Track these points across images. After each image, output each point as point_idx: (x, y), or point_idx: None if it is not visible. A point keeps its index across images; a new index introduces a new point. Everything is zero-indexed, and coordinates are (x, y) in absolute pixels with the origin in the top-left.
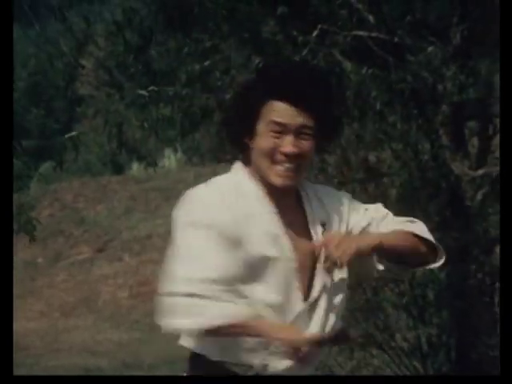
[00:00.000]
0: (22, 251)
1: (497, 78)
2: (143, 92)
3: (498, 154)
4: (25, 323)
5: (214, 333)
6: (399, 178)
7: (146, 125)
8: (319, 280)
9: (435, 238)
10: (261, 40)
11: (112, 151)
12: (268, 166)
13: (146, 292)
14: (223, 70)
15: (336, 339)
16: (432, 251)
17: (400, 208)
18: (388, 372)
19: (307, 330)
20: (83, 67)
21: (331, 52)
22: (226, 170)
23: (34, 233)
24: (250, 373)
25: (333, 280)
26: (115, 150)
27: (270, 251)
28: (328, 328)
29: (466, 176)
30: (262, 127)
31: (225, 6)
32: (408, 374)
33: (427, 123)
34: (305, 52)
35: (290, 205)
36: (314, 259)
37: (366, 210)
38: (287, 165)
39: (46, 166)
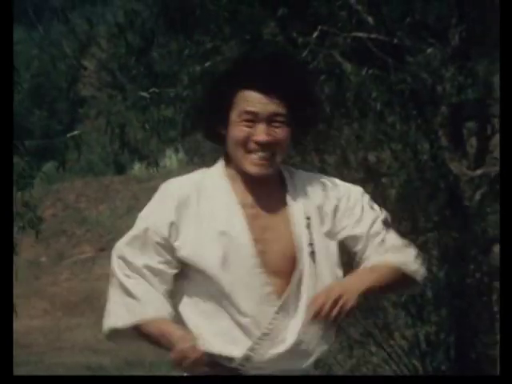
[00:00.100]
0: (26, 250)
1: (495, 79)
2: (145, 94)
3: (496, 154)
4: (28, 321)
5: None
6: (398, 178)
7: (147, 126)
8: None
9: (434, 238)
10: (262, 41)
11: (114, 151)
12: (242, 155)
13: None
14: None
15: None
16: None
17: (399, 208)
18: (387, 370)
19: (281, 337)
20: (85, 69)
21: (331, 53)
22: None
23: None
24: (233, 364)
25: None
26: (117, 151)
27: (222, 244)
28: (306, 337)
29: (464, 176)
30: (234, 117)
31: (226, 8)
32: (407, 371)
33: (426, 124)
34: (305, 53)
35: (271, 194)
36: (293, 260)
37: (362, 216)
38: (261, 153)
39: (48, 166)
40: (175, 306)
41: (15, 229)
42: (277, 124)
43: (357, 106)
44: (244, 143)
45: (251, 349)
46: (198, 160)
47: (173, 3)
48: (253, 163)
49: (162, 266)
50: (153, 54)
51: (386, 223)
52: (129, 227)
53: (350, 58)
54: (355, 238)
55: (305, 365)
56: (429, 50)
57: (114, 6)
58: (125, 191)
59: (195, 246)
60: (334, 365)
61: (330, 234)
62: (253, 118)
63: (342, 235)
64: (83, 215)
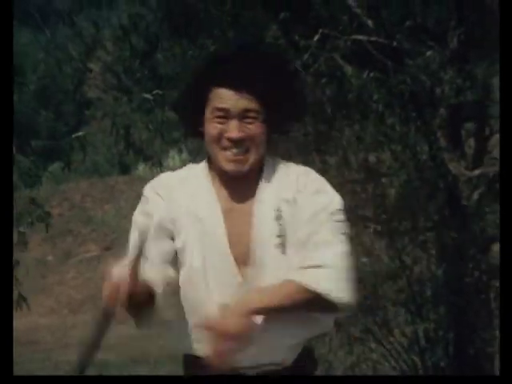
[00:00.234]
0: (34, 249)
1: (493, 81)
2: (148, 96)
3: (494, 154)
4: (35, 319)
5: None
6: (398, 178)
7: (151, 127)
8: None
9: (434, 237)
10: (264, 44)
11: (119, 152)
12: (217, 152)
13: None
14: None
15: None
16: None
17: (399, 207)
18: (387, 366)
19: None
20: (91, 71)
21: (332, 56)
22: None
23: (43, 233)
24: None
25: None
26: (122, 152)
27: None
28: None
29: (463, 176)
30: (208, 114)
31: (229, 12)
32: (406, 368)
33: (425, 125)
34: (306, 56)
35: (247, 188)
36: (247, 250)
37: (307, 226)
38: (235, 150)
39: (54, 167)
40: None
41: (23, 226)
42: (249, 120)
43: (357, 107)
44: (217, 140)
45: None
46: (200, 160)
47: (176, 7)
48: (227, 160)
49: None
50: (157, 57)
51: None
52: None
53: (351, 61)
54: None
55: (277, 358)
56: (428, 53)
57: (120, 10)
58: (129, 191)
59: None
60: (335, 361)
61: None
62: (225, 115)
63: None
64: (89, 215)
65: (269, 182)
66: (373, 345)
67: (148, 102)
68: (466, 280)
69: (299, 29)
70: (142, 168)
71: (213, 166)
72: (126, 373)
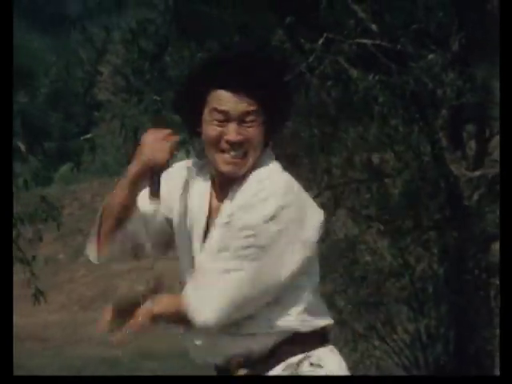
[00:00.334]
0: (45, 248)
1: (493, 83)
2: (157, 97)
3: (494, 156)
4: (46, 316)
5: None
6: (401, 178)
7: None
8: None
9: (435, 236)
10: (270, 48)
11: (128, 153)
12: (215, 154)
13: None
14: None
15: None
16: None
17: (402, 206)
18: (390, 362)
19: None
20: (101, 74)
21: (337, 59)
22: None
23: (55, 232)
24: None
25: None
26: (131, 152)
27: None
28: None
29: (463, 177)
30: (206, 116)
31: (236, 16)
32: (408, 364)
33: (428, 126)
34: (311, 59)
35: (224, 193)
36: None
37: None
38: (233, 152)
39: (65, 168)
40: None
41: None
42: (248, 123)
43: (362, 109)
44: (216, 142)
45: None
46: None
47: (184, 11)
48: (225, 162)
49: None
50: (166, 60)
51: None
52: None
53: (355, 64)
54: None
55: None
56: (430, 56)
57: (129, 14)
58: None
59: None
60: None
61: None
62: (224, 117)
63: None
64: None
65: (239, 189)
66: (376, 342)
67: (156, 103)
68: (466, 278)
69: (304, 33)
70: None
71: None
72: (135, 368)
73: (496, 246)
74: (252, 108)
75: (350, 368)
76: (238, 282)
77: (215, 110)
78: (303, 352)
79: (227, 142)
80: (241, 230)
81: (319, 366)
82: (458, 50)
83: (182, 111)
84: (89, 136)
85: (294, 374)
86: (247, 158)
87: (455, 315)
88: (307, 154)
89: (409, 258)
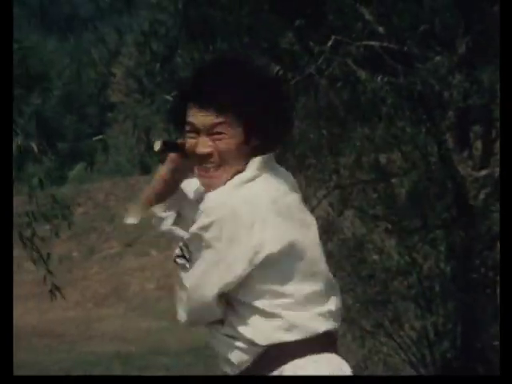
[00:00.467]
0: (59, 246)
1: (499, 86)
2: (168, 97)
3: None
4: (61, 312)
5: None
6: (408, 178)
7: (170, 128)
8: None
9: (442, 235)
10: (279, 50)
11: (140, 153)
12: (195, 168)
13: (172, 284)
14: None
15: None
16: None
17: (409, 206)
18: (397, 358)
19: None
20: (114, 76)
21: (345, 61)
22: None
23: (69, 230)
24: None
25: None
26: (143, 152)
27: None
28: None
29: (470, 177)
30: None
31: (245, 19)
32: (415, 360)
33: (435, 127)
34: (320, 61)
35: None
36: None
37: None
38: (206, 165)
39: (79, 168)
40: None
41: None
42: (218, 136)
43: (370, 110)
44: (191, 155)
45: None
46: None
47: (194, 14)
48: (200, 175)
49: None
50: (176, 61)
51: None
52: (152, 225)
53: (363, 66)
54: None
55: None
56: (437, 58)
57: (141, 17)
58: None
59: None
60: (347, 354)
61: None
62: (194, 130)
63: None
64: (112, 213)
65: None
66: (384, 338)
67: (167, 103)
68: (473, 276)
69: (313, 35)
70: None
71: None
72: (147, 364)
73: None
74: (218, 120)
75: (358, 363)
76: (183, 292)
77: (187, 122)
78: (282, 363)
79: (198, 154)
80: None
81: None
82: (465, 52)
83: (175, 125)
84: (101, 137)
85: None
86: (222, 170)
87: (462, 312)
88: (316, 155)
89: (416, 256)
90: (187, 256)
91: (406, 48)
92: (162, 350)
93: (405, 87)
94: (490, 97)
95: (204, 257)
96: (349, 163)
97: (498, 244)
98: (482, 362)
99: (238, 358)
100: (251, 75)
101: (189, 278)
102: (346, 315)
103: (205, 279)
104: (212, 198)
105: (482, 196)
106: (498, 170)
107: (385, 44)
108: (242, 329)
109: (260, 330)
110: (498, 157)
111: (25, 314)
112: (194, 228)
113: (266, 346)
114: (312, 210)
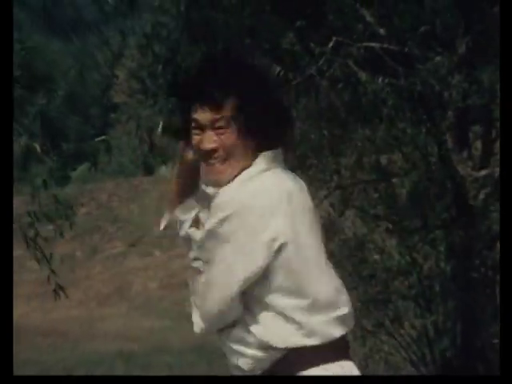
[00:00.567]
0: (63, 246)
1: (498, 86)
2: (171, 98)
3: (500, 156)
4: (64, 311)
5: None
6: (409, 179)
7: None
8: None
9: (442, 235)
10: (280, 51)
11: (143, 154)
12: (201, 164)
13: (175, 283)
14: None
15: None
16: None
17: (410, 206)
18: (397, 357)
19: None
20: (117, 77)
21: (346, 62)
22: None
23: (72, 230)
24: None
25: None
26: (146, 153)
27: None
28: None
29: (469, 177)
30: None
31: (247, 20)
32: (415, 358)
33: (435, 128)
34: (321, 62)
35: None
36: None
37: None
38: (211, 161)
39: (82, 168)
40: None
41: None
42: (221, 130)
43: (371, 111)
44: (197, 152)
45: None
46: None
47: (196, 16)
48: (206, 171)
49: None
50: (178, 63)
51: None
52: (157, 225)
53: (364, 67)
54: None
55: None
56: (437, 59)
57: (143, 19)
58: (153, 191)
59: None
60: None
61: None
62: (198, 126)
63: None
64: (115, 213)
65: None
66: (384, 337)
67: (170, 103)
68: (472, 275)
69: (314, 36)
70: (165, 169)
71: None
72: (149, 362)
73: None
74: (218, 115)
75: (359, 362)
76: (202, 294)
77: (192, 119)
78: (299, 370)
79: (203, 149)
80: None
81: None
82: (464, 52)
83: (180, 121)
84: (104, 137)
85: None
86: (227, 165)
87: (461, 311)
88: (317, 156)
89: (416, 256)
90: (202, 258)
91: (406, 49)
92: (165, 348)
93: (405, 88)
94: (489, 97)
95: (223, 252)
96: (350, 164)
97: (498, 244)
98: (481, 360)
99: (247, 364)
100: (249, 72)
101: (212, 276)
102: None
103: (228, 274)
104: (225, 192)
105: (481, 196)
106: (497, 169)
107: (385, 45)
108: (256, 330)
109: (276, 332)
110: (498, 157)
111: (29, 313)
112: (209, 224)
113: (282, 348)
114: None
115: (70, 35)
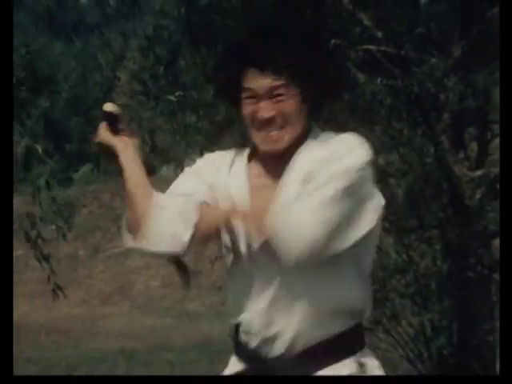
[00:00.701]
0: (65, 245)
1: (493, 89)
2: (172, 97)
3: (495, 157)
4: (67, 309)
5: None
6: (405, 179)
7: (174, 130)
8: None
9: (438, 234)
10: None
11: (145, 154)
12: (253, 132)
13: (176, 282)
14: None
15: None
16: None
17: (406, 206)
18: (395, 354)
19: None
20: (119, 79)
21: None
22: None
23: (75, 230)
24: None
25: None
26: (148, 154)
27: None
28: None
29: (465, 177)
30: (242, 95)
31: (245, 23)
32: (412, 356)
33: (431, 130)
34: None
35: (282, 166)
36: None
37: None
38: (268, 129)
39: (85, 169)
40: None
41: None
42: (280, 98)
43: (368, 113)
44: (251, 121)
45: None
46: None
47: (197, 19)
48: (262, 140)
49: None
50: (179, 65)
51: None
52: None
53: (362, 69)
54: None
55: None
56: (432, 61)
57: (145, 22)
58: (155, 191)
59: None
60: None
61: None
62: (253, 95)
63: None
64: (117, 213)
65: (304, 151)
66: (382, 335)
67: (171, 104)
68: (468, 274)
69: None
70: (166, 169)
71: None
72: (151, 360)
73: (497, 243)
74: (278, 83)
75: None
76: (326, 221)
77: (245, 88)
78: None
79: (260, 119)
80: (327, 178)
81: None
82: (460, 55)
83: (221, 95)
84: None
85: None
86: (284, 132)
87: (458, 309)
88: None
89: (413, 255)
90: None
91: (403, 52)
92: (167, 346)
93: (402, 90)
94: (484, 99)
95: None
96: None
97: (493, 242)
98: (477, 358)
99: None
100: (302, 37)
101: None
102: None
103: (339, 231)
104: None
105: (477, 195)
106: (493, 170)
107: (383, 48)
108: (349, 291)
109: (365, 299)
110: (493, 157)
111: (32, 311)
112: (356, 161)
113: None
114: None
115: (72, 37)
